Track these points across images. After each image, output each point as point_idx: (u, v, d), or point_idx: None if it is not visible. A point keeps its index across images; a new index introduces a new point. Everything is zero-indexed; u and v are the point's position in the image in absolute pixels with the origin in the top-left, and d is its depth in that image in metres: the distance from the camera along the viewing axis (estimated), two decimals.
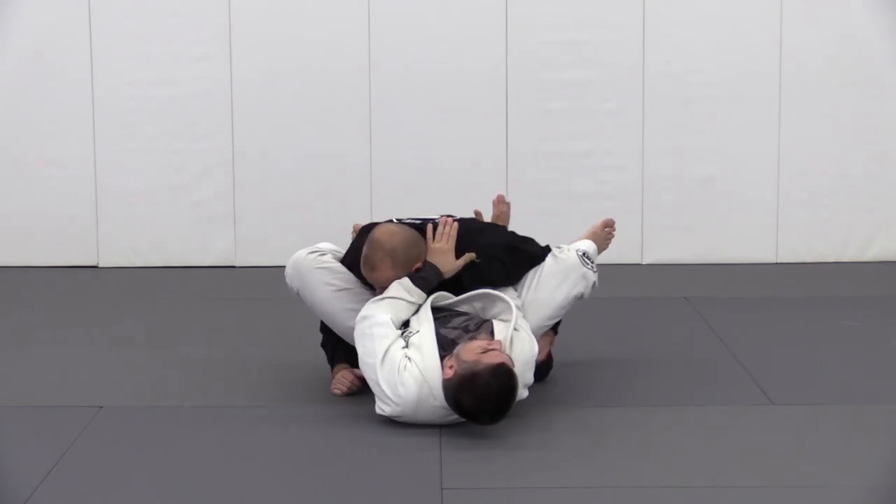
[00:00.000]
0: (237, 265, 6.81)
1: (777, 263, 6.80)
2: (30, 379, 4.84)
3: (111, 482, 3.78)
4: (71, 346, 5.29)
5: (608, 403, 4.49)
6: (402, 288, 4.32)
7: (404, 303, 4.30)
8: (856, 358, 5.03)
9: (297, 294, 4.57)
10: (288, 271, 4.56)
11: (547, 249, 4.59)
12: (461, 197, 6.69)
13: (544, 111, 6.73)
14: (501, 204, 4.94)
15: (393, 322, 4.23)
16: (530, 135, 6.75)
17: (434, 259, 4.41)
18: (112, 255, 6.82)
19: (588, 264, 4.59)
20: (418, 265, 4.38)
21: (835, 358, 5.03)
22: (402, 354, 4.15)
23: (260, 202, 6.78)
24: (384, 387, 4.14)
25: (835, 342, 5.26)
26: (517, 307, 4.36)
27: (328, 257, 4.54)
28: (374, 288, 4.44)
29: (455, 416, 4.13)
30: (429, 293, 4.36)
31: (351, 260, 4.51)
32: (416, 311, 4.32)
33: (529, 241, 4.61)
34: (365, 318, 4.26)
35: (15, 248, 6.80)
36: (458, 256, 4.43)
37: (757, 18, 6.68)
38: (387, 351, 4.16)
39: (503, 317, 4.34)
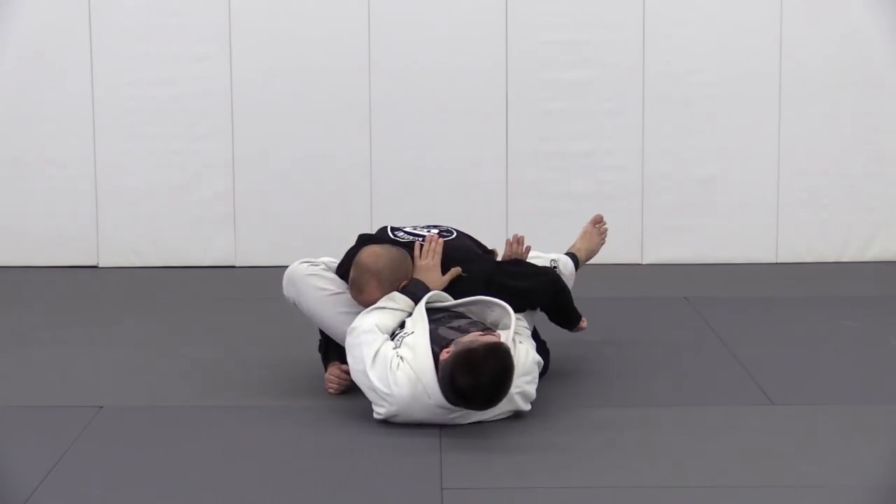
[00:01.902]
0: (237, 265, 6.81)
1: (777, 263, 6.80)
2: (30, 379, 4.84)
3: (111, 482, 3.78)
4: (71, 346, 5.28)
5: (608, 403, 4.49)
6: (388, 298, 4.36)
7: (390, 310, 4.32)
8: (856, 358, 5.03)
9: (295, 305, 4.62)
10: (284, 283, 4.62)
11: (536, 276, 4.60)
12: (461, 197, 6.71)
13: (544, 111, 6.73)
14: (517, 245, 4.77)
15: (378, 327, 4.24)
16: (530, 135, 6.74)
17: (421, 276, 4.46)
18: (112, 255, 6.81)
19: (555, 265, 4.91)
20: (405, 283, 4.43)
21: (835, 358, 5.03)
22: (393, 354, 4.15)
23: (260, 202, 6.78)
24: (378, 385, 4.13)
25: (835, 342, 5.26)
26: (517, 316, 4.38)
27: (321, 267, 4.60)
28: None
29: (452, 415, 4.13)
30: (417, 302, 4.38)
31: (344, 270, 4.54)
32: (410, 315, 4.33)
33: (519, 277, 4.56)
34: (352, 329, 4.29)
35: (15, 248, 6.79)
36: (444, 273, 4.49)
37: (757, 18, 6.68)
38: (376, 353, 4.17)
39: (504, 322, 4.34)
